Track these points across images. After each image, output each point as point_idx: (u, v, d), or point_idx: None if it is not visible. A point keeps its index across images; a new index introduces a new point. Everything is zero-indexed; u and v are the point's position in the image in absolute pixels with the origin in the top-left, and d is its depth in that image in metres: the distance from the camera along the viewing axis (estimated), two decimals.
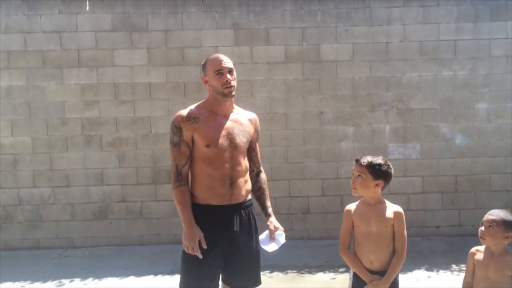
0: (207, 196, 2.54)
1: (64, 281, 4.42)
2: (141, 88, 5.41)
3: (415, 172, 5.50)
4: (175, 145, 2.55)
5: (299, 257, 4.90)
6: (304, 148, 5.49)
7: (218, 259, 2.54)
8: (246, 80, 5.32)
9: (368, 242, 2.45)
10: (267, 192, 2.79)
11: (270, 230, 2.70)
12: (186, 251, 2.49)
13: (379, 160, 2.45)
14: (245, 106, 2.79)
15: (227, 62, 2.55)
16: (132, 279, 4.44)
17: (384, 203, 2.51)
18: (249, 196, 2.70)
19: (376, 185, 2.44)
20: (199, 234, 2.46)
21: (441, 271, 4.45)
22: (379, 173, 2.44)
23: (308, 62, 5.43)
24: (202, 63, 2.64)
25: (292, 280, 4.32)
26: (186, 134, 2.52)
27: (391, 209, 2.49)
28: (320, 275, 4.41)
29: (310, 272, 4.49)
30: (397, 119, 5.49)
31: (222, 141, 2.53)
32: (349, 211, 2.53)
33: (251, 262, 2.65)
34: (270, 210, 2.76)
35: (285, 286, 4.20)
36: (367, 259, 2.45)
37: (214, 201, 2.54)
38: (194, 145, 2.55)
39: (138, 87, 5.41)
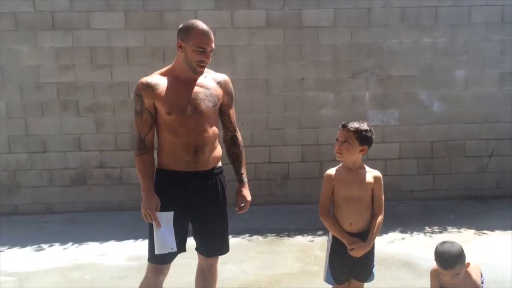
0: (171, 162, 2.49)
1: (44, 245, 4.42)
2: (118, 53, 5.28)
3: (393, 138, 5.58)
4: (138, 113, 2.48)
5: (279, 221, 4.98)
6: (284, 115, 5.49)
7: (184, 226, 2.53)
8: (226, 46, 5.23)
9: (348, 205, 2.49)
10: (241, 158, 2.70)
11: (237, 199, 2.68)
12: (144, 219, 2.44)
13: (365, 126, 2.48)
14: (225, 72, 2.71)
15: (213, 42, 2.45)
16: (112, 243, 4.46)
17: (364, 168, 2.56)
18: (219, 163, 2.63)
19: (361, 150, 2.48)
20: (156, 202, 2.40)
21: (414, 233, 4.60)
22: (365, 139, 2.46)
23: (289, 27, 5.36)
24: (182, 26, 2.47)
25: (272, 243, 4.42)
26: (148, 102, 2.44)
27: (371, 174, 2.54)
28: (299, 238, 4.51)
29: (289, 236, 4.58)
30: (377, 86, 5.52)
31: (185, 107, 2.43)
32: (329, 175, 2.55)
33: (218, 230, 2.62)
34: (243, 177, 2.68)
35: (265, 249, 4.29)
36: (347, 222, 2.50)
37: (178, 168, 2.48)
38: (157, 112, 2.47)
39: (115, 51, 5.27)
